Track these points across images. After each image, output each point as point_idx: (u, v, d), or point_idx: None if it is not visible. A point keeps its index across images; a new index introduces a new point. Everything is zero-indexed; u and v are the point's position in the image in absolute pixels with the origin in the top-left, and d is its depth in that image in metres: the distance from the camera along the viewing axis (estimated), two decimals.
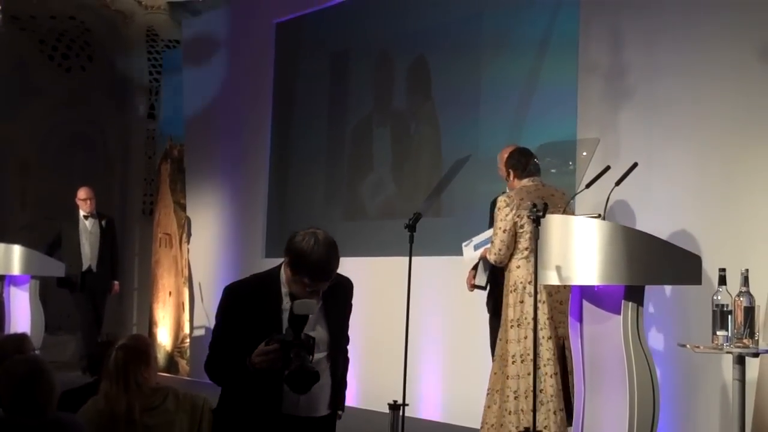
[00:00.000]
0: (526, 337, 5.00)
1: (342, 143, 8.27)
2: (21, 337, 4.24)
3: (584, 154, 5.52)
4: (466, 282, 5.75)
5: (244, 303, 3.26)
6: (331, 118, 8.42)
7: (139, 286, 11.21)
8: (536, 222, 4.32)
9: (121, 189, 11.52)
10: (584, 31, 6.23)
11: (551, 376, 4.96)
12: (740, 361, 3.99)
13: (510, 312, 5.12)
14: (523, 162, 5.36)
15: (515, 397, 5.03)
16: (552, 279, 4.21)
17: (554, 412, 4.91)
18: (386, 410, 4.50)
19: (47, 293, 8.80)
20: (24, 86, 10.86)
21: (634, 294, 4.10)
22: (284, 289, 3.23)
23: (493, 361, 5.56)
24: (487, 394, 5.22)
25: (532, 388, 4.73)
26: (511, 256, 5.18)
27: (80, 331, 9.09)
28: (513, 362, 5.06)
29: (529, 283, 5.01)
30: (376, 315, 6.65)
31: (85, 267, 8.69)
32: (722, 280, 4.03)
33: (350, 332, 3.50)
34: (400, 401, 4.57)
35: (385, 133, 7.84)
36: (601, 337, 4.22)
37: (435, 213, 6.98)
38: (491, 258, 5.24)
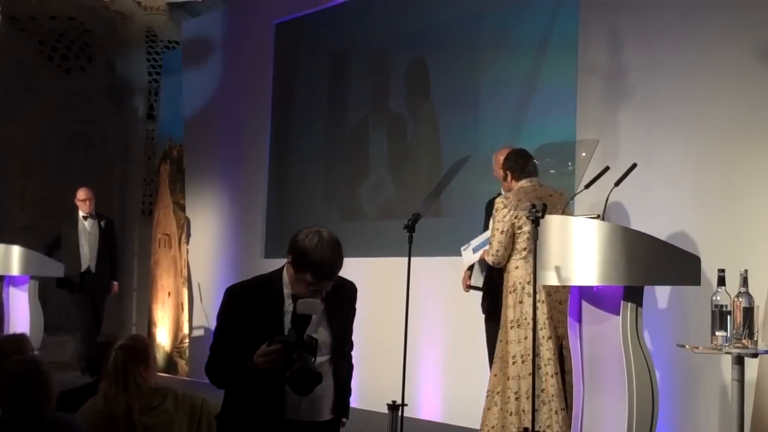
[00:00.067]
0: (526, 338, 5.00)
1: (341, 144, 8.27)
2: (20, 338, 4.24)
3: (583, 154, 5.53)
4: (461, 283, 5.76)
5: (245, 305, 3.20)
6: (330, 119, 8.42)
7: (139, 287, 11.21)
8: (535, 222, 4.32)
9: (121, 189, 11.52)
10: (583, 31, 6.24)
11: (552, 376, 4.95)
12: (739, 361, 3.99)
13: (509, 313, 5.12)
14: (520, 163, 5.35)
15: (516, 398, 5.02)
16: (551, 279, 4.21)
17: (556, 412, 4.91)
18: (385, 410, 4.51)
19: (46, 294, 8.80)
20: (23, 87, 10.86)
21: (633, 294, 4.10)
22: (287, 291, 3.19)
23: (492, 362, 5.56)
24: (487, 396, 5.21)
25: (533, 389, 4.73)
26: (510, 256, 5.18)
27: (79, 331, 9.09)
28: (513, 363, 5.05)
29: (528, 283, 5.01)
30: (375, 315, 6.65)
31: (84, 267, 8.69)
32: (721, 281, 4.03)
33: None
34: (399, 401, 4.58)
35: (385, 133, 7.84)
36: (600, 338, 4.22)
37: (434, 213, 6.98)
38: (489, 259, 5.23)
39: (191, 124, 10.13)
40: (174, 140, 10.46)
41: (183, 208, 10.01)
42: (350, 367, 3.44)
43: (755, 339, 3.95)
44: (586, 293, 4.31)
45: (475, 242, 5.57)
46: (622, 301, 4.09)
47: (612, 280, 4.03)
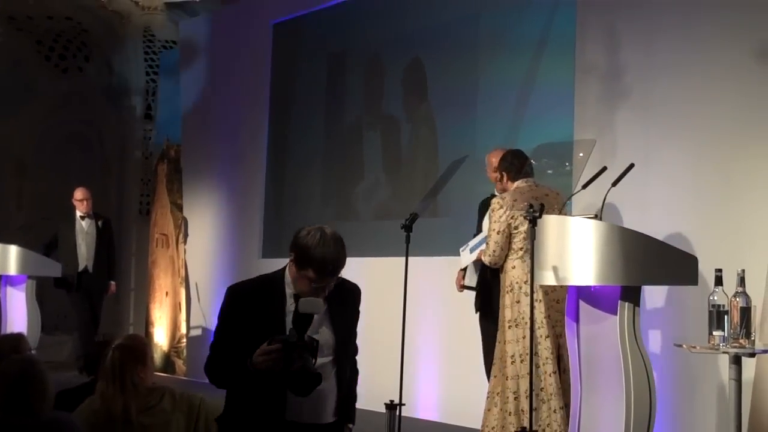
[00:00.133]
0: (524, 337, 4.99)
1: (339, 144, 8.27)
2: (17, 337, 4.24)
3: (581, 154, 5.52)
4: (455, 283, 5.76)
5: (246, 304, 3.16)
6: (328, 119, 8.42)
7: (136, 287, 11.21)
8: (533, 222, 4.33)
9: (118, 189, 11.52)
10: (581, 31, 6.24)
11: (550, 375, 4.96)
12: (736, 361, 3.99)
13: (507, 313, 5.12)
14: (516, 164, 5.35)
15: (515, 398, 5.03)
16: (548, 279, 4.21)
17: (554, 411, 4.91)
18: (383, 410, 4.51)
19: (44, 293, 8.79)
20: (21, 87, 10.86)
21: (631, 294, 4.10)
22: (289, 290, 3.16)
23: (486, 361, 5.57)
24: (488, 397, 5.20)
25: (531, 388, 4.73)
26: (506, 256, 5.18)
27: (77, 331, 9.08)
28: (512, 363, 5.05)
29: (525, 282, 5.01)
30: (373, 315, 6.62)
31: (81, 267, 8.68)
32: (718, 281, 4.04)
33: None
34: (396, 401, 4.58)
35: (382, 133, 7.84)
36: (598, 338, 4.23)
37: (432, 213, 6.98)
38: (486, 260, 5.23)
39: (188, 123, 10.13)
40: (171, 140, 10.46)
41: (180, 208, 10.01)
42: (355, 371, 3.40)
43: (752, 339, 3.96)
44: (583, 293, 4.31)
45: (472, 243, 5.57)
46: (619, 301, 4.09)
47: (609, 279, 4.03)
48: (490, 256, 5.19)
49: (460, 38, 7.19)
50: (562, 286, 4.63)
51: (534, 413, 4.74)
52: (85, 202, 8.76)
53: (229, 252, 9.24)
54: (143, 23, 11.34)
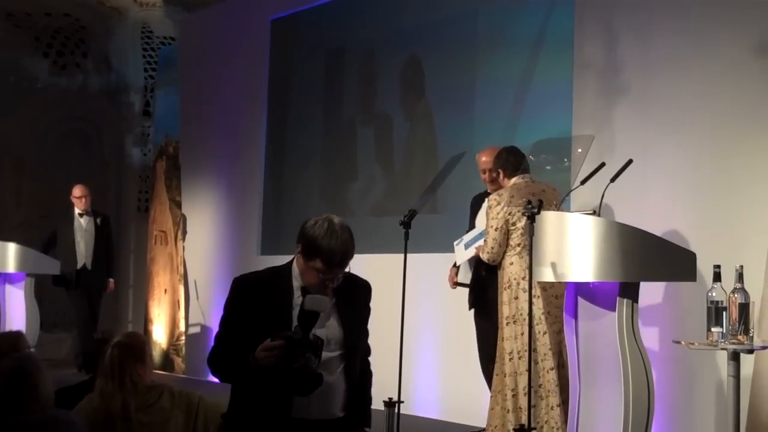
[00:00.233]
0: (522, 334, 4.99)
1: (338, 140, 8.27)
2: (16, 335, 4.24)
3: (579, 150, 5.53)
4: (448, 280, 5.75)
5: (252, 296, 3.10)
6: (326, 115, 8.42)
7: (135, 284, 11.21)
8: (531, 218, 4.33)
9: (117, 186, 11.51)
10: (579, 28, 6.24)
11: (548, 371, 4.96)
12: (735, 357, 4.00)
13: (505, 309, 5.11)
14: (512, 161, 5.35)
15: (513, 395, 5.02)
16: (547, 276, 4.21)
17: (552, 408, 4.91)
18: (382, 407, 4.51)
19: (42, 291, 8.79)
20: (19, 83, 10.85)
21: (629, 291, 4.10)
22: (296, 283, 3.09)
23: (481, 357, 5.57)
24: (491, 395, 5.21)
25: (529, 385, 4.73)
26: (504, 253, 5.18)
27: (76, 328, 9.09)
28: (510, 359, 5.05)
29: (523, 279, 5.01)
30: (372, 312, 6.65)
31: (80, 265, 8.69)
32: (717, 277, 4.04)
33: None
34: (395, 398, 4.58)
35: (380, 130, 7.84)
36: (596, 334, 4.23)
37: (431, 210, 6.98)
38: (484, 257, 5.23)
39: (187, 120, 10.12)
40: (170, 137, 10.45)
41: (179, 205, 10.00)
42: (368, 372, 3.31)
43: (751, 335, 3.97)
44: (582, 289, 4.32)
45: (467, 237, 5.56)
46: (617, 298, 4.09)
47: (608, 276, 4.03)
48: (488, 253, 5.18)
49: (458, 35, 7.19)
50: (561, 282, 4.63)
51: (532, 410, 4.74)
52: (83, 199, 8.76)
53: (227, 249, 9.24)
54: (141, 19, 11.33)
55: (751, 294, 3.99)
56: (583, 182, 4.84)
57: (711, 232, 5.22)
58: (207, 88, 9.88)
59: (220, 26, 9.89)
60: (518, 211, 5.02)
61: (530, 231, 4.35)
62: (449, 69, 7.22)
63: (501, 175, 5.39)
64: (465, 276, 5.63)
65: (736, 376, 4.00)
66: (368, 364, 3.32)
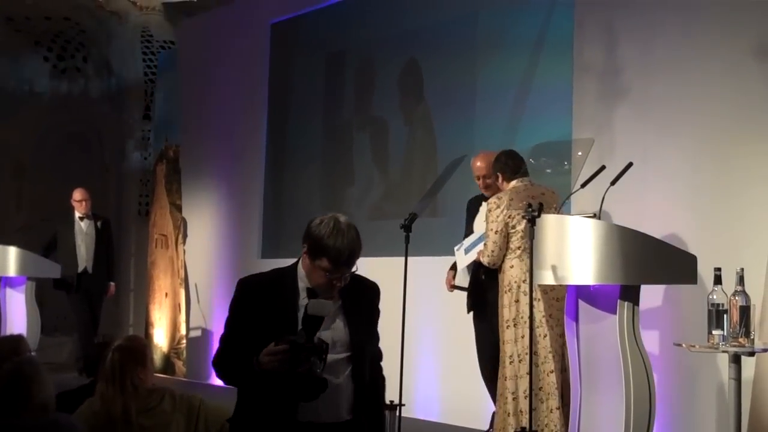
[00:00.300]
0: (523, 337, 4.98)
1: (338, 144, 8.27)
2: (17, 339, 4.23)
3: (579, 153, 5.53)
4: (445, 283, 5.75)
5: (257, 297, 3.06)
6: (326, 119, 8.42)
7: (135, 287, 11.21)
8: (531, 222, 4.33)
9: (117, 190, 11.52)
10: (579, 30, 6.24)
11: (549, 374, 4.96)
12: (736, 360, 4.00)
13: (506, 312, 5.11)
14: (511, 164, 5.34)
15: (514, 399, 5.02)
16: (547, 279, 4.21)
17: (551, 411, 4.91)
18: None
19: (43, 295, 8.79)
20: (19, 87, 10.86)
21: (630, 293, 4.10)
22: (302, 284, 3.05)
23: (480, 360, 5.56)
24: (497, 399, 5.21)
25: (530, 388, 4.72)
26: (504, 256, 5.17)
27: (76, 332, 9.08)
28: (510, 362, 5.05)
29: (524, 281, 5.00)
30: None
31: (80, 268, 8.68)
32: (718, 280, 4.04)
33: None
34: (396, 402, 4.58)
35: (380, 133, 7.84)
36: (597, 337, 4.23)
37: (431, 213, 6.98)
38: (484, 260, 5.22)
39: (187, 124, 10.13)
40: (170, 140, 10.45)
41: (179, 209, 10.00)
42: (380, 376, 3.26)
43: (752, 338, 3.97)
44: (582, 292, 4.32)
45: (467, 242, 5.55)
46: (618, 300, 4.09)
47: (608, 279, 4.03)
48: (488, 256, 5.18)
49: (457, 38, 7.19)
50: (561, 285, 4.64)
51: (533, 413, 4.74)
52: (84, 203, 8.76)
53: (228, 252, 9.24)
54: (141, 23, 11.34)
55: (751, 296, 3.99)
56: (583, 185, 4.84)
57: (711, 235, 5.22)
58: (207, 91, 9.88)
59: (220, 30, 9.89)
60: (518, 214, 5.02)
61: (531, 234, 4.35)
62: (449, 72, 7.22)
63: (500, 179, 5.38)
64: (463, 279, 5.62)
65: (737, 378, 4.00)
66: (380, 369, 3.27)
